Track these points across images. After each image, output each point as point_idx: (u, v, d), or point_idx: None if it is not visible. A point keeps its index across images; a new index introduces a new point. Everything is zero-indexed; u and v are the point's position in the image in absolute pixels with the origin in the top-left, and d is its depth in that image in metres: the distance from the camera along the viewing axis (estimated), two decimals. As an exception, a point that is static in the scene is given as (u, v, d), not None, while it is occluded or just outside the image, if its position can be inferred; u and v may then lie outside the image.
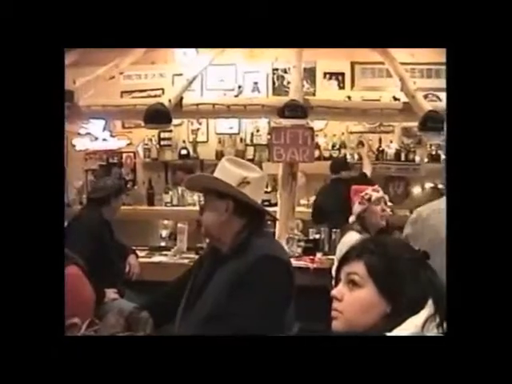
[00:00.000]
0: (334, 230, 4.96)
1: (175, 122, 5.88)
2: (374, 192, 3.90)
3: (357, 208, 3.89)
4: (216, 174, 2.35)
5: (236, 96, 6.02)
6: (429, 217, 3.45)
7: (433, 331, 1.37)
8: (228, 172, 2.31)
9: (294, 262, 4.54)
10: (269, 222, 4.09)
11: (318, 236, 5.39)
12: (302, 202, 5.98)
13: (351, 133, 6.30)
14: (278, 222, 4.87)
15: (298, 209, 5.44)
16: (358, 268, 1.48)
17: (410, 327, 1.38)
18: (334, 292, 1.52)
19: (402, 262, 1.47)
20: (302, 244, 5.05)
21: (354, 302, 1.47)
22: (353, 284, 1.49)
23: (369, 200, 3.84)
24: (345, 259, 1.55)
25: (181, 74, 5.65)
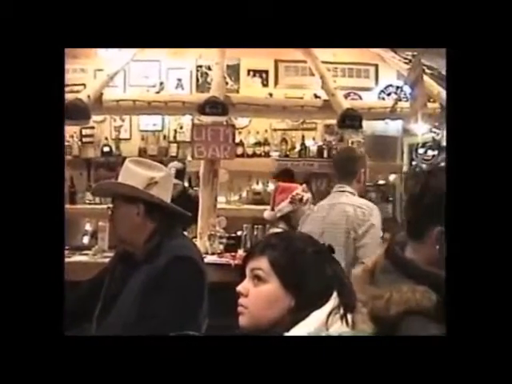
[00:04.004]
0: (256, 226, 4.99)
1: (97, 118, 5.78)
2: (304, 193, 3.98)
3: (286, 207, 3.94)
4: (121, 177, 2.30)
5: (157, 92, 5.93)
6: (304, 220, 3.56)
7: (337, 323, 1.40)
8: (133, 174, 2.26)
9: (216, 259, 4.57)
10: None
11: (240, 233, 5.43)
12: (229, 198, 5.99)
13: (275, 130, 6.33)
14: (199, 219, 4.86)
15: (221, 206, 5.44)
16: (261, 263, 1.50)
17: (314, 320, 1.41)
18: (239, 288, 1.54)
19: (306, 255, 1.49)
20: (224, 241, 5.05)
21: (259, 297, 1.49)
22: (257, 279, 1.50)
23: (300, 200, 3.90)
24: (249, 255, 1.56)
25: (102, 70, 5.54)
